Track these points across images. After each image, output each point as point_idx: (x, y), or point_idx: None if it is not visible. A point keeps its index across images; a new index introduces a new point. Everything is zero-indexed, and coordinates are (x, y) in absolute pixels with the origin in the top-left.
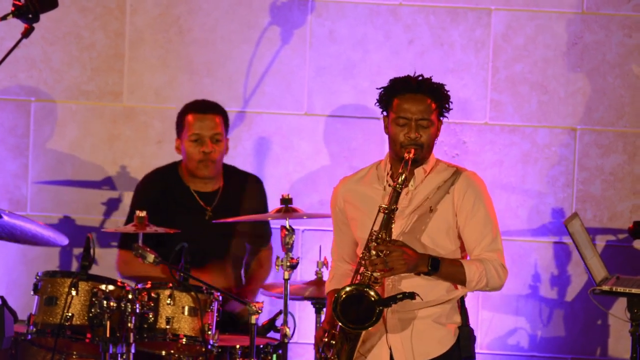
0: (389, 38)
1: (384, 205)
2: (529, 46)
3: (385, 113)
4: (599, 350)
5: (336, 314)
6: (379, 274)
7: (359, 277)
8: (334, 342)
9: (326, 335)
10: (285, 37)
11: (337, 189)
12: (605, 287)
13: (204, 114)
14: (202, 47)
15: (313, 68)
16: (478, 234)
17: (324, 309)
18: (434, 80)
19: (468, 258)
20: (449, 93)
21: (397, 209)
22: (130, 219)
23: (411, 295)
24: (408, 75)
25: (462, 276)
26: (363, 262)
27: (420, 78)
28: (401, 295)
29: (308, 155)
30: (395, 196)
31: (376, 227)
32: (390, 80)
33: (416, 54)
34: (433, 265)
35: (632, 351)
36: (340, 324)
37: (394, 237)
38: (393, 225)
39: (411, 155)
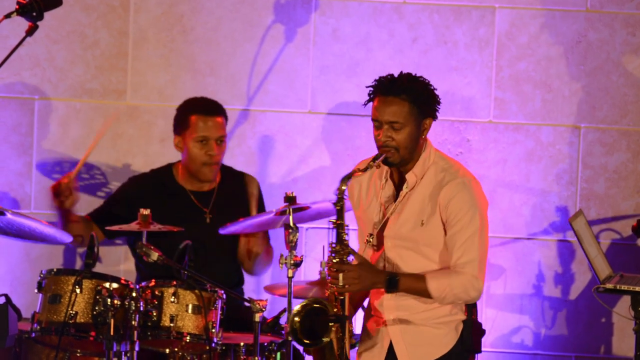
0: (392, 36)
1: (332, 220)
2: (532, 44)
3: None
4: (603, 348)
5: (293, 332)
6: (334, 288)
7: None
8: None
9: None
10: (288, 35)
11: (352, 184)
12: (609, 285)
13: (210, 116)
14: (206, 46)
15: (317, 66)
16: (455, 244)
17: None
18: (437, 82)
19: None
20: (431, 88)
21: (344, 224)
22: (105, 205)
23: (340, 319)
24: (388, 75)
25: (425, 292)
26: (328, 272)
27: (397, 76)
28: (334, 317)
29: (311, 153)
30: (338, 212)
31: (333, 239)
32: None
33: (420, 53)
34: (390, 285)
35: (636, 349)
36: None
37: (386, 246)
38: (351, 238)
39: (375, 163)
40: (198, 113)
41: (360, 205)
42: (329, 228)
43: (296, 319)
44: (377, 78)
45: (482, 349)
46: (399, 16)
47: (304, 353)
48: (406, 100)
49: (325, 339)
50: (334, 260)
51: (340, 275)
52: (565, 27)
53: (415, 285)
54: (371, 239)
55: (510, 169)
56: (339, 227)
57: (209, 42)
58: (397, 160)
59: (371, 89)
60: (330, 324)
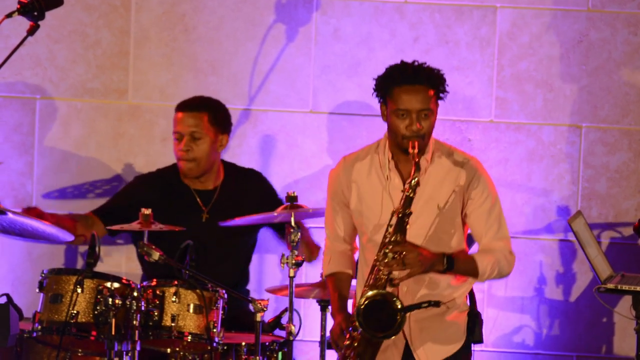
0: (394, 36)
1: (399, 209)
2: (534, 44)
3: (381, 100)
4: (604, 348)
5: (360, 324)
6: (396, 274)
7: (372, 279)
8: (355, 345)
9: (347, 336)
10: (290, 35)
11: (338, 171)
12: (610, 285)
13: (186, 112)
14: (207, 45)
15: (318, 66)
16: (485, 224)
17: (329, 307)
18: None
19: (475, 245)
20: (444, 76)
21: (411, 212)
22: (110, 202)
23: (437, 304)
24: (404, 63)
25: (475, 271)
26: (377, 263)
27: (416, 65)
28: (426, 304)
29: (313, 153)
30: (408, 201)
31: (390, 229)
32: (387, 68)
33: (421, 52)
34: (449, 264)
35: (637, 349)
36: (363, 331)
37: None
38: (408, 227)
39: (416, 150)
40: (178, 109)
41: (351, 199)
42: None
43: (361, 306)
44: (388, 68)
45: (484, 348)
46: (401, 16)
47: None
48: (431, 87)
49: (394, 331)
50: (394, 246)
51: (406, 258)
52: (566, 26)
53: (467, 265)
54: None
55: (511, 168)
56: (406, 216)
57: (211, 42)
58: (423, 147)
59: (381, 79)
60: (397, 316)
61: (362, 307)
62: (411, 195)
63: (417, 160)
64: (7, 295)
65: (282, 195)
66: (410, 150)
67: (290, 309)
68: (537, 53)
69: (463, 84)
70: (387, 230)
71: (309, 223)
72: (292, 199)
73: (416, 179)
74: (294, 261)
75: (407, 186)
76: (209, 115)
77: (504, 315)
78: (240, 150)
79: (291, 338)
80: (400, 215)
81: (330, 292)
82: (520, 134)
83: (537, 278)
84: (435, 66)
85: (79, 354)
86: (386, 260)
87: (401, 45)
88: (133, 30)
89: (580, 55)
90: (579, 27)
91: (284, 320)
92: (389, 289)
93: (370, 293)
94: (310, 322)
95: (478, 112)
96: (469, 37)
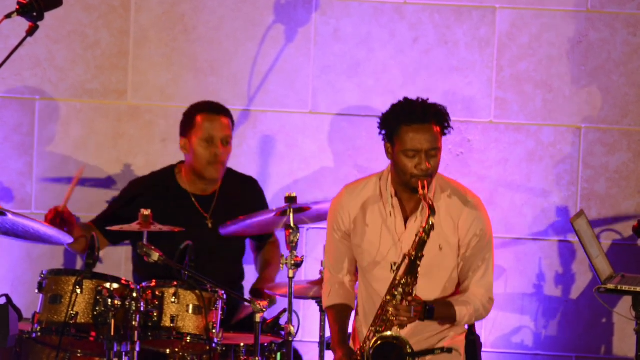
0: (393, 36)
1: (411, 252)
2: (533, 44)
3: (386, 138)
4: (604, 348)
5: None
6: (404, 319)
7: (380, 319)
8: None
9: None
10: (289, 35)
11: (339, 201)
12: (610, 286)
13: (215, 115)
14: (207, 46)
15: (318, 66)
16: (472, 266)
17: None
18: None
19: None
20: (447, 112)
21: (423, 256)
22: (109, 210)
23: (449, 350)
24: (410, 101)
25: (452, 318)
26: (388, 304)
27: (423, 103)
28: (439, 350)
29: (312, 153)
30: (422, 244)
31: (401, 272)
32: (393, 106)
33: (421, 53)
34: (428, 314)
35: (636, 350)
36: None
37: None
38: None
39: (426, 190)
40: (204, 112)
41: (356, 232)
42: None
43: (371, 351)
44: (394, 106)
45: (483, 349)
46: (400, 16)
47: (301, 353)
48: (437, 125)
49: None
50: (401, 293)
51: (412, 308)
52: (566, 27)
53: (446, 313)
54: (395, 267)
55: (511, 169)
56: (418, 259)
57: (211, 42)
58: (429, 184)
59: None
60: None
61: (373, 348)
62: (425, 238)
63: (430, 203)
64: (7, 295)
65: (281, 195)
66: (421, 191)
67: (290, 309)
68: (536, 53)
69: (462, 85)
70: (397, 271)
71: (308, 225)
72: (291, 199)
73: (431, 223)
74: (293, 262)
75: (421, 230)
76: (231, 120)
77: (503, 316)
78: (240, 151)
79: (290, 339)
80: (412, 258)
81: (330, 324)
82: (519, 135)
83: (537, 278)
84: (435, 67)
85: (79, 355)
86: (396, 304)
87: (401, 45)
88: (132, 30)
89: (579, 56)
90: (579, 27)
91: (283, 320)
92: (395, 331)
93: (385, 334)
94: (309, 323)
95: (477, 112)
96: (468, 37)
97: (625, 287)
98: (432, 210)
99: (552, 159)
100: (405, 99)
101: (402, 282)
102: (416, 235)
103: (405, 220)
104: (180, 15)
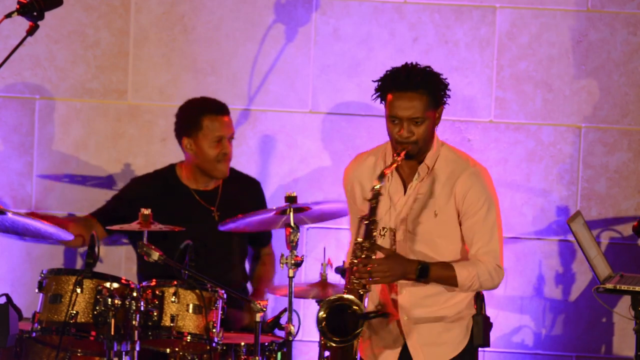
0: (393, 36)
1: (364, 216)
2: (533, 44)
3: (382, 103)
4: (604, 348)
5: (321, 330)
6: (364, 280)
7: (347, 281)
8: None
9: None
10: (289, 35)
11: (348, 168)
12: (609, 285)
13: (220, 115)
14: (207, 45)
15: (317, 66)
16: (475, 234)
17: None
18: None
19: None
20: (444, 80)
21: (376, 221)
22: (109, 205)
23: (385, 315)
24: (398, 68)
25: (453, 280)
26: (353, 267)
27: (412, 69)
28: (373, 314)
29: (312, 153)
30: (372, 210)
31: (360, 237)
32: (387, 71)
33: (421, 52)
34: (421, 273)
35: (636, 349)
36: (325, 338)
37: (398, 240)
38: (388, 233)
39: (399, 158)
40: (209, 114)
41: (356, 197)
42: (329, 228)
43: (322, 314)
44: (387, 72)
45: (483, 349)
46: (400, 16)
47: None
48: (424, 94)
49: (355, 338)
50: (362, 256)
51: (374, 270)
52: (566, 26)
53: (444, 274)
54: (384, 233)
55: (511, 168)
56: (371, 224)
57: (210, 42)
58: (416, 152)
59: (379, 83)
60: (360, 321)
61: (324, 313)
62: (374, 204)
63: (395, 163)
64: (7, 295)
65: (281, 194)
66: (395, 157)
67: (290, 309)
68: (536, 53)
69: (462, 84)
70: (356, 237)
71: (309, 224)
72: (291, 199)
73: (378, 187)
74: (293, 261)
75: (370, 194)
76: (229, 115)
77: (504, 315)
78: (240, 151)
79: (290, 338)
80: (366, 223)
81: (347, 275)
82: (519, 134)
83: (537, 278)
84: (436, 67)
85: (79, 354)
86: (358, 267)
87: (401, 45)
88: (132, 30)
89: (579, 56)
90: (579, 27)
91: (283, 320)
92: (362, 292)
93: (331, 298)
94: (310, 323)
95: (477, 112)
96: (468, 37)
97: (624, 287)
98: (380, 176)
99: (552, 158)
100: (404, 64)
101: (363, 245)
102: (368, 200)
103: (405, 186)
104: (180, 15)
